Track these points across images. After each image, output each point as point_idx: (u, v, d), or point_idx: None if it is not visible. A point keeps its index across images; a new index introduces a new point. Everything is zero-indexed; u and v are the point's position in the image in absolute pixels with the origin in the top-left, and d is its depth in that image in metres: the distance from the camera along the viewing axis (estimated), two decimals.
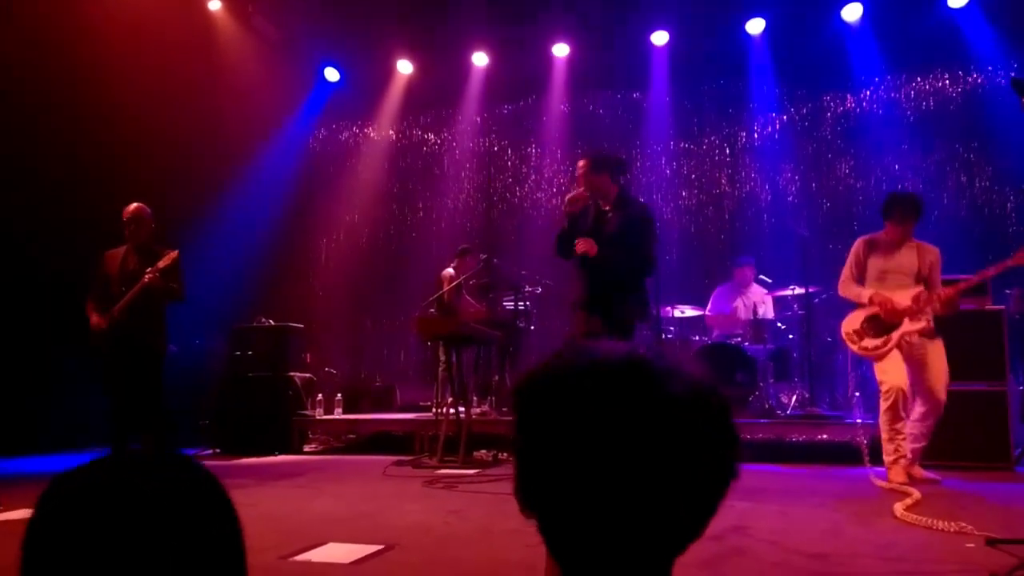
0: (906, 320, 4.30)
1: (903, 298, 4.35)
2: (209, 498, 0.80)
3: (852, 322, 4.50)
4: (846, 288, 4.60)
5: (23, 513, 3.60)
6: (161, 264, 4.87)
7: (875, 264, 4.51)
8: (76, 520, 0.73)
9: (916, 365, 4.37)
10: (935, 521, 3.06)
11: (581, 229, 4.13)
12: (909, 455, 4.32)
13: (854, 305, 4.57)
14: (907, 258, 4.45)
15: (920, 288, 4.39)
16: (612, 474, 0.75)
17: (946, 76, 7.33)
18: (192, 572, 0.74)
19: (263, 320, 6.93)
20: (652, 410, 0.76)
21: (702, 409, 0.80)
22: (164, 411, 5.10)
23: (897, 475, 4.23)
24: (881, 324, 4.38)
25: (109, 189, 6.06)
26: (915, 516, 3.21)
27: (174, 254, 4.94)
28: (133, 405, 4.93)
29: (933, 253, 4.48)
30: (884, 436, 4.35)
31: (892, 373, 4.30)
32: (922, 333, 4.33)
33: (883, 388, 4.33)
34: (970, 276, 4.29)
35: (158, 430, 4.98)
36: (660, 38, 7.97)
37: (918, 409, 4.38)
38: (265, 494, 4.18)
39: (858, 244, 4.63)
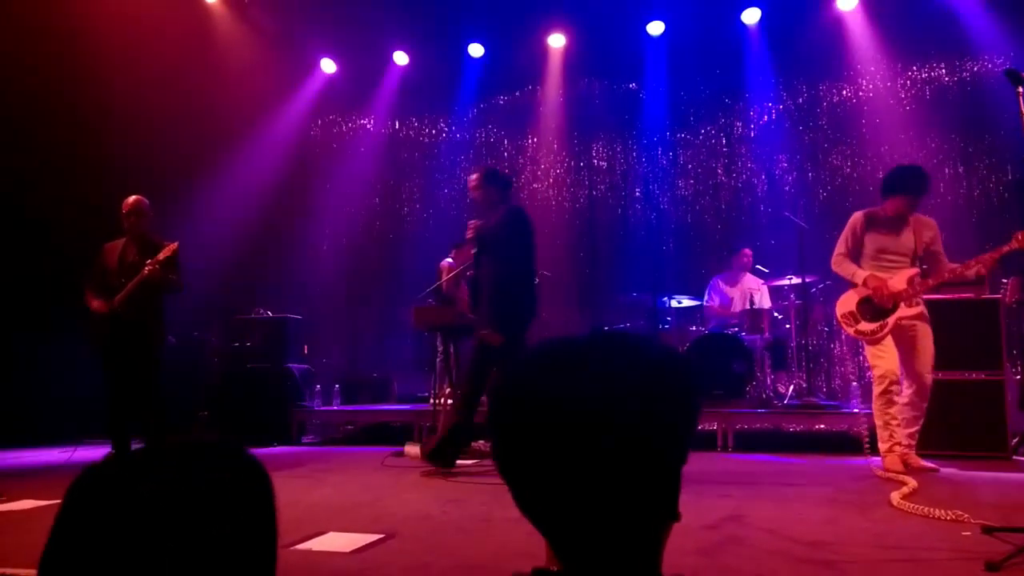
0: (902, 305, 4.27)
1: (898, 280, 4.30)
2: (251, 486, 0.81)
3: (846, 304, 4.44)
4: (840, 264, 4.51)
5: (27, 504, 3.61)
6: (161, 256, 4.88)
7: (873, 242, 4.42)
8: (109, 510, 0.72)
9: (905, 346, 4.34)
10: (932, 510, 3.08)
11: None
12: (904, 441, 4.33)
13: (847, 287, 4.52)
14: (906, 237, 4.37)
15: (915, 270, 4.34)
16: (581, 438, 0.76)
17: (942, 65, 7.32)
18: (228, 560, 0.76)
19: (261, 311, 6.92)
20: (616, 373, 0.78)
21: (663, 369, 0.81)
22: (162, 402, 5.12)
23: (892, 463, 4.24)
24: (876, 307, 4.33)
25: (105, 180, 6.05)
26: (911, 505, 3.23)
27: (173, 246, 4.95)
28: (132, 396, 4.95)
29: (932, 227, 4.40)
30: (878, 423, 4.34)
31: (885, 358, 4.29)
32: (916, 318, 4.31)
33: (876, 373, 4.32)
34: (968, 261, 4.17)
35: (157, 421, 4.99)
36: (656, 28, 7.95)
37: (906, 392, 4.35)
38: None
39: (856, 218, 4.52)
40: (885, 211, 4.41)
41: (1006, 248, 3.95)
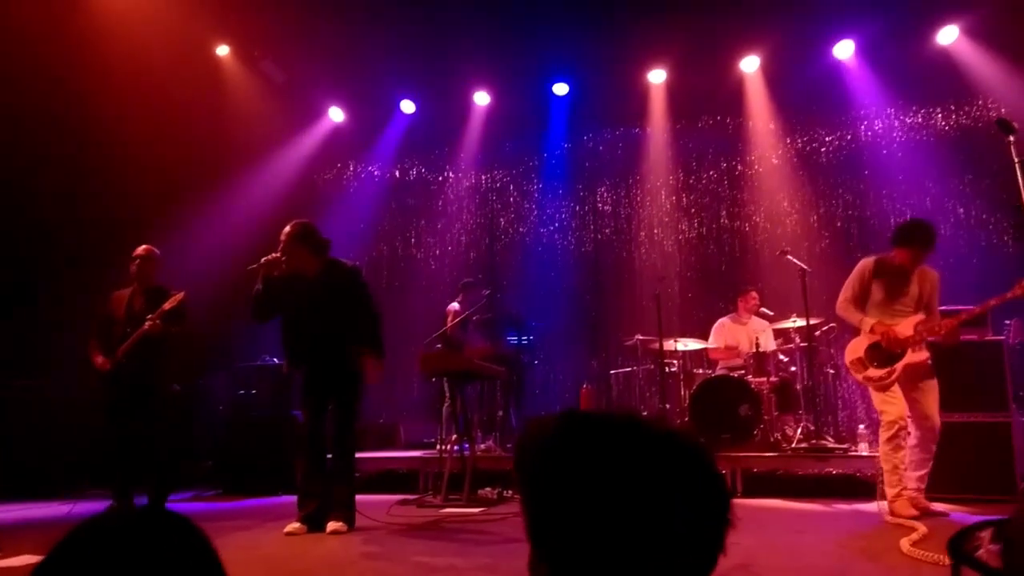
0: (909, 351, 4.28)
1: (905, 327, 4.32)
2: (200, 559, 0.84)
3: (855, 350, 4.45)
4: (845, 309, 4.50)
5: (24, 559, 3.60)
6: (167, 306, 4.92)
7: (880, 289, 4.43)
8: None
9: (912, 390, 4.34)
10: (941, 557, 3.04)
11: (291, 296, 4.32)
12: (912, 485, 4.29)
13: (853, 332, 4.54)
14: (913, 286, 4.41)
15: (921, 316, 4.36)
16: (620, 527, 0.78)
17: (938, 110, 7.43)
18: None
19: (266, 359, 6.95)
20: (655, 465, 0.81)
21: (697, 461, 0.84)
22: (166, 458, 5.10)
23: (902, 508, 4.19)
24: (884, 353, 4.34)
25: (111, 228, 6.15)
26: (921, 552, 3.19)
27: (179, 296, 4.99)
28: (135, 451, 4.93)
29: (933, 277, 4.44)
30: (886, 468, 4.31)
31: (895, 404, 4.28)
32: (924, 363, 4.32)
33: (885, 419, 4.30)
34: (972, 307, 4.27)
35: (160, 477, 4.98)
36: (658, 76, 8.12)
37: (914, 434, 4.34)
38: (268, 536, 4.16)
39: (866, 264, 4.52)
40: (894, 260, 4.44)
41: (1009, 295, 3.97)
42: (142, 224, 6.11)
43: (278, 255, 4.29)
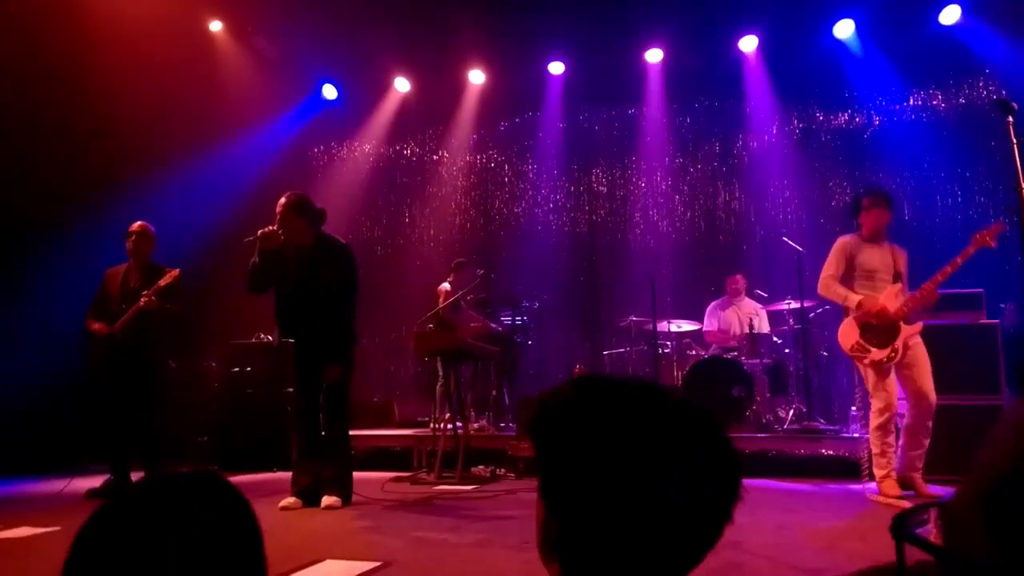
0: (903, 326, 4.29)
1: (887, 299, 4.34)
2: (237, 517, 0.85)
3: (849, 336, 4.41)
4: (829, 287, 4.49)
5: (25, 531, 3.61)
6: (162, 283, 4.90)
7: (863, 263, 4.46)
8: (119, 542, 0.78)
9: (905, 367, 4.36)
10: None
11: (283, 270, 4.31)
12: (898, 465, 4.33)
13: (841, 313, 4.55)
14: (888, 255, 4.47)
15: (899, 286, 4.38)
16: (632, 488, 0.79)
17: (939, 93, 7.39)
18: None
19: (261, 336, 6.94)
20: (668, 430, 0.82)
21: (710, 430, 0.85)
22: (160, 432, 5.10)
23: (890, 488, 4.24)
24: (878, 332, 4.32)
25: (103, 203, 6.10)
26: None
27: (175, 273, 4.96)
28: (130, 424, 4.93)
29: (903, 253, 4.52)
30: (875, 450, 4.35)
31: (886, 390, 4.30)
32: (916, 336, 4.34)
33: (876, 405, 4.32)
34: (945, 267, 4.23)
35: (154, 451, 4.98)
36: (654, 55, 8.06)
37: (910, 412, 4.37)
38: (263, 511, 4.12)
39: (845, 240, 4.55)
40: (865, 231, 4.51)
41: (971, 250, 4.07)
42: (128, 198, 6.06)
43: (275, 227, 4.27)
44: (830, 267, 4.53)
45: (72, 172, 6.47)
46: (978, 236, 4.06)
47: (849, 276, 4.51)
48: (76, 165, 6.52)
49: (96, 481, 4.95)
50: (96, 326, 4.96)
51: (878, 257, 4.45)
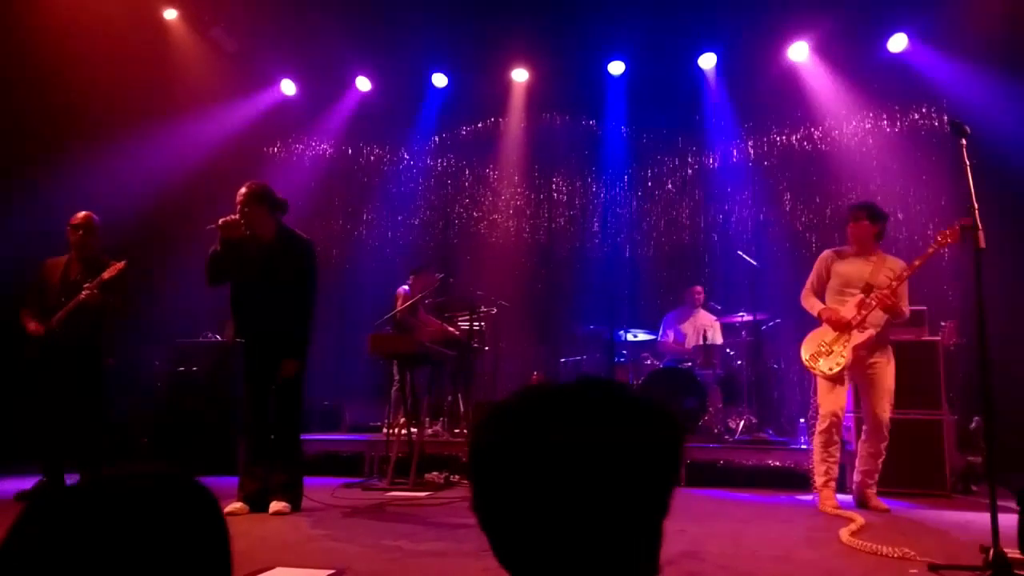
0: (854, 332, 4.32)
1: (847, 309, 4.37)
2: (203, 516, 0.79)
3: (808, 346, 4.47)
4: (805, 299, 4.63)
5: None
6: (105, 275, 4.69)
7: (837, 276, 4.50)
8: (54, 545, 0.69)
9: (864, 384, 4.43)
10: (880, 547, 3.14)
11: (242, 260, 4.19)
12: (858, 479, 4.43)
13: (808, 325, 4.62)
14: (865, 268, 4.40)
15: (860, 297, 4.35)
16: (564, 487, 0.76)
17: (890, 112, 7.59)
18: None
19: (208, 335, 6.72)
20: (601, 423, 0.79)
21: (649, 420, 0.82)
22: (100, 431, 4.88)
23: (828, 497, 4.32)
24: (833, 342, 4.35)
25: (53, 195, 5.83)
26: (860, 542, 3.29)
27: (120, 265, 4.75)
28: (66, 423, 4.70)
29: (895, 264, 4.42)
30: (816, 458, 4.43)
31: (831, 398, 4.37)
32: (870, 344, 4.31)
33: (821, 411, 4.41)
34: (912, 264, 4.28)
35: (94, 451, 4.75)
36: (617, 68, 8.14)
37: (864, 431, 4.46)
38: None
39: (825, 254, 4.65)
40: (849, 243, 4.58)
41: (931, 250, 4.08)
42: (63, 179, 5.80)
43: (236, 217, 4.12)
44: (809, 280, 4.66)
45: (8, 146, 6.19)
46: (940, 237, 3.95)
47: (826, 288, 4.58)
48: (13, 139, 6.23)
49: (27, 484, 4.70)
50: (32, 326, 4.71)
51: (856, 269, 4.46)
